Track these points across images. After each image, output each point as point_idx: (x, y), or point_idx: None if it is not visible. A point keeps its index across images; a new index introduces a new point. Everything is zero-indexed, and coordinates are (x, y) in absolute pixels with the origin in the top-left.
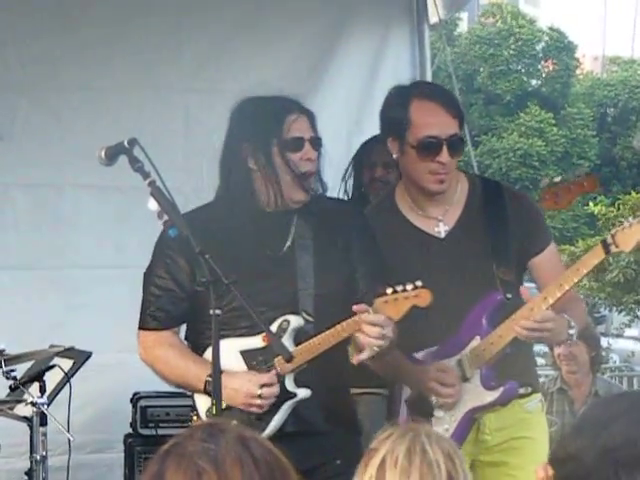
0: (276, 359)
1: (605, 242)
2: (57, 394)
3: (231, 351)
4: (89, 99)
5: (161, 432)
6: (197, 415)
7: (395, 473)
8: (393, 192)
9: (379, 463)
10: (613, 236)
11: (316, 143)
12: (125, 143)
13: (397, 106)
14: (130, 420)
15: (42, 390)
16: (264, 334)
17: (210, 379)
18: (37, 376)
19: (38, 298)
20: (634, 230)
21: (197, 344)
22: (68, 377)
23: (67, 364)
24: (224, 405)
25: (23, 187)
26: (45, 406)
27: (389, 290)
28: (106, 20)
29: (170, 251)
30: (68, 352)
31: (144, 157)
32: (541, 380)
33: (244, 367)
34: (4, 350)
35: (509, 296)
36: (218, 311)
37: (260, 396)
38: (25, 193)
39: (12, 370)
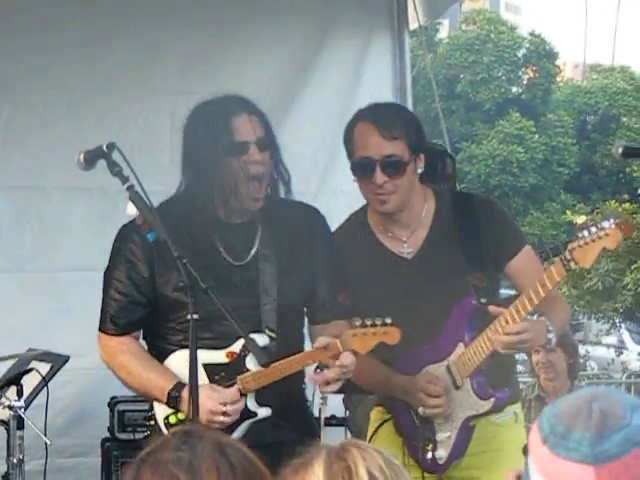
0: (238, 377)
1: (564, 259)
2: (34, 398)
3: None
4: (73, 101)
5: (138, 436)
6: (155, 421)
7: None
8: (366, 210)
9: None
10: (571, 252)
11: (263, 144)
12: (104, 147)
13: (346, 130)
14: (107, 424)
15: (19, 394)
16: (228, 350)
17: (173, 393)
18: (14, 379)
19: (22, 301)
20: (591, 247)
21: (159, 350)
22: (46, 381)
23: (45, 368)
24: (183, 416)
25: (6, 190)
26: (22, 410)
27: (358, 323)
28: (90, 22)
29: (131, 255)
30: (45, 356)
31: (123, 161)
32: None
33: (206, 380)
34: None
35: (483, 301)
36: (195, 315)
37: (224, 413)
38: (8, 196)
39: None
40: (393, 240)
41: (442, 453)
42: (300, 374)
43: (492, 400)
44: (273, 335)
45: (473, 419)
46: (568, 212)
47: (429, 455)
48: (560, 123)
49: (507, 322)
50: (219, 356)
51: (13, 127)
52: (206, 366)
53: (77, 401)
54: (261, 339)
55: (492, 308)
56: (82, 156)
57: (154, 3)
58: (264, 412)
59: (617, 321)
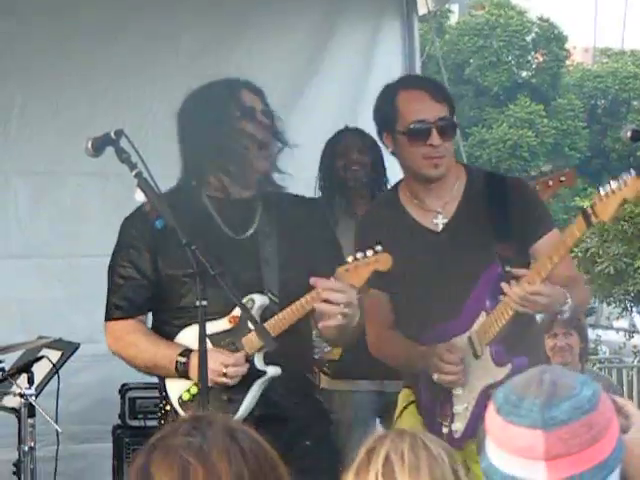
0: (243, 338)
1: (585, 213)
2: (45, 385)
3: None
4: (87, 88)
5: (149, 423)
6: (169, 404)
7: (404, 468)
8: (397, 187)
9: (383, 461)
10: (593, 207)
11: (267, 113)
12: (112, 134)
13: (385, 101)
14: (119, 411)
15: (30, 381)
16: (230, 316)
17: (181, 358)
18: (25, 367)
19: (38, 287)
20: (611, 199)
21: (163, 333)
22: (56, 368)
23: (55, 355)
24: (195, 389)
25: (23, 176)
26: (33, 397)
27: (350, 258)
28: (104, 9)
29: (133, 240)
30: (56, 343)
31: (132, 148)
32: None
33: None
34: None
35: (507, 269)
36: (204, 302)
37: (225, 375)
38: (26, 182)
39: (0, 361)
40: (425, 213)
41: (458, 426)
42: (306, 344)
43: (509, 366)
44: (274, 299)
45: (491, 388)
46: (577, 198)
47: (445, 430)
48: (570, 107)
49: (528, 284)
50: (222, 324)
51: (28, 114)
52: (211, 336)
53: (89, 388)
54: (260, 299)
55: (515, 270)
56: (90, 143)
57: None
58: (272, 370)
59: (628, 305)
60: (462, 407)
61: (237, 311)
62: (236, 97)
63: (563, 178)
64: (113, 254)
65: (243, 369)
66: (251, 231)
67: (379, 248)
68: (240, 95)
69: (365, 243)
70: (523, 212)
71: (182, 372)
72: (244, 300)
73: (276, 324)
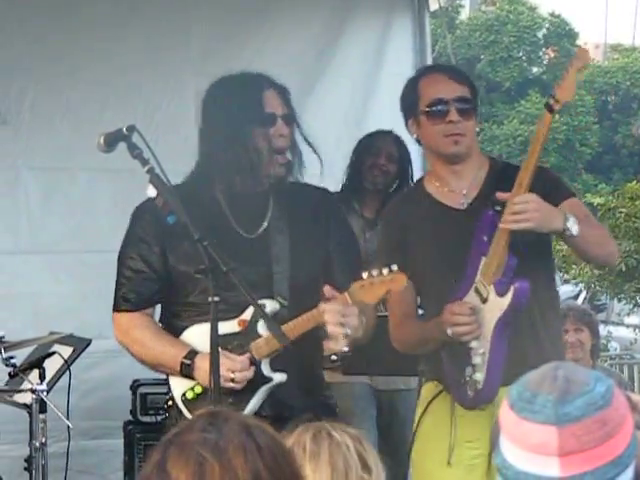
0: (252, 344)
1: (548, 104)
2: (57, 381)
3: (207, 335)
4: (98, 83)
5: (161, 419)
6: (172, 399)
7: (304, 457)
8: (421, 180)
9: None
10: (553, 96)
11: (289, 118)
12: (124, 130)
13: (408, 89)
14: (130, 407)
15: (41, 377)
16: (239, 319)
17: (186, 360)
18: (37, 363)
19: (49, 283)
20: (570, 76)
21: (171, 327)
22: (68, 364)
23: (67, 351)
24: (200, 389)
25: (33, 172)
26: (44, 393)
27: (365, 275)
28: (116, 3)
29: (142, 233)
30: (68, 339)
31: (143, 143)
32: None
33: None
34: (3, 337)
35: (498, 208)
36: (217, 298)
37: (233, 380)
38: (37, 177)
39: (12, 357)
40: (448, 193)
41: (479, 376)
42: (316, 342)
43: (511, 291)
44: (284, 303)
45: (500, 322)
46: (588, 195)
47: (470, 392)
48: (581, 103)
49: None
50: (231, 326)
51: (38, 109)
52: (220, 337)
53: (101, 384)
54: (271, 305)
55: (499, 194)
56: (102, 139)
57: None
58: (279, 377)
59: (639, 301)
60: (479, 354)
61: (246, 314)
62: (259, 99)
63: None
64: (123, 244)
65: (250, 373)
66: (263, 228)
67: (395, 267)
68: (263, 97)
69: (389, 226)
70: (541, 187)
71: (187, 373)
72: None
73: (287, 332)
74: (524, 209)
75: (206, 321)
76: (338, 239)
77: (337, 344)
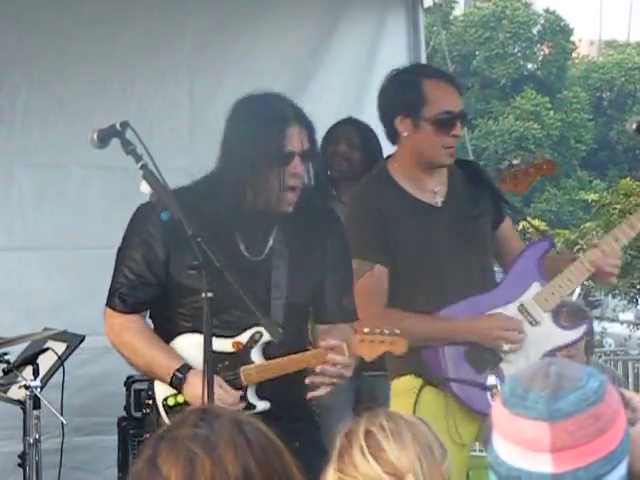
0: (242, 368)
1: None
2: (50, 377)
3: (199, 347)
4: (91, 79)
5: (142, 414)
6: (153, 399)
7: (387, 435)
8: (385, 167)
9: (364, 435)
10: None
11: (306, 156)
12: (117, 126)
13: (409, 87)
14: (124, 403)
15: (35, 373)
16: (234, 340)
17: (178, 374)
18: (30, 359)
19: (43, 279)
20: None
21: (165, 331)
22: (62, 360)
23: (60, 347)
24: (182, 399)
25: (27, 168)
26: (38, 389)
27: (366, 329)
28: (108, 0)
29: (149, 237)
30: (61, 335)
31: (137, 139)
32: None
33: None
34: None
35: (475, 214)
36: (210, 294)
37: None
38: (30, 174)
39: (5, 353)
40: (423, 192)
41: None
42: (303, 371)
43: (583, 328)
44: (279, 330)
45: (558, 350)
46: (582, 192)
47: (489, 396)
48: (576, 99)
49: (605, 252)
50: (225, 345)
51: (32, 105)
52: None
53: (95, 380)
54: (267, 333)
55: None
56: (95, 135)
57: None
58: (262, 405)
59: (634, 297)
60: (514, 371)
61: (243, 337)
62: (280, 137)
63: (544, 167)
64: (128, 242)
65: (238, 408)
66: (266, 251)
67: (397, 331)
68: (285, 134)
69: (365, 213)
70: (493, 192)
71: (176, 386)
72: (253, 331)
73: (277, 367)
74: (613, 272)
75: (199, 332)
76: (333, 258)
77: (320, 392)
